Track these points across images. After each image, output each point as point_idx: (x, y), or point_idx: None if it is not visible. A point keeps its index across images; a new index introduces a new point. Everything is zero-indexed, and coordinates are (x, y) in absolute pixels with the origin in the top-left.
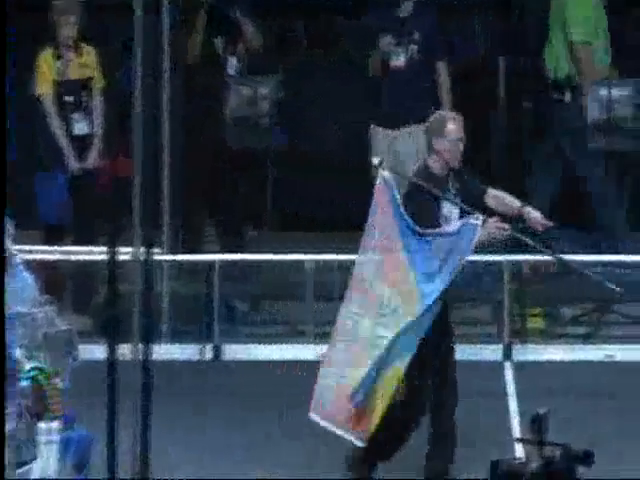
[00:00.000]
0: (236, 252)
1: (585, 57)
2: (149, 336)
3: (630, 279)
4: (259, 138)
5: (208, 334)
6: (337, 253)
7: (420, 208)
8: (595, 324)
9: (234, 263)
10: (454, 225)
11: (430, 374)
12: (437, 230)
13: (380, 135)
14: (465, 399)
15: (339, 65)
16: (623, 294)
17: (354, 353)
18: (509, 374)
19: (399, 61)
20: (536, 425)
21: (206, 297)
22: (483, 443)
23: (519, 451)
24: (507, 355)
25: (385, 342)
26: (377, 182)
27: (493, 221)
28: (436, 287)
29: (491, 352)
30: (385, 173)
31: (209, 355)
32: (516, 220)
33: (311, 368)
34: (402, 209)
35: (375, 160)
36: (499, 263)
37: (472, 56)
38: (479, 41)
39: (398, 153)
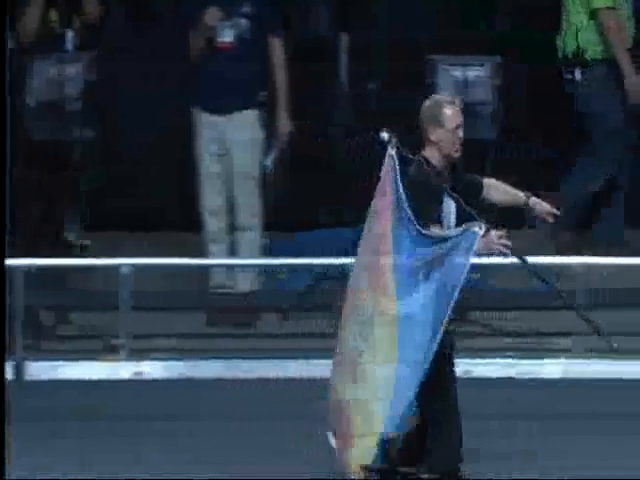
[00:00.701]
0: (42, 257)
1: (612, 23)
2: None
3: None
4: (65, 128)
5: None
6: (160, 257)
7: (421, 206)
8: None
9: (40, 269)
10: (455, 230)
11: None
12: (437, 232)
13: (206, 121)
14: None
15: (163, 43)
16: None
17: (341, 366)
18: None
19: (227, 38)
20: (385, 450)
21: (7, 308)
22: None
23: None
24: None
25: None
26: (385, 162)
27: (496, 235)
28: (420, 295)
29: None
30: (393, 152)
31: (10, 375)
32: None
33: (129, 387)
34: (403, 196)
35: (385, 135)
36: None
37: (312, 31)
38: (319, 15)
39: (226, 141)
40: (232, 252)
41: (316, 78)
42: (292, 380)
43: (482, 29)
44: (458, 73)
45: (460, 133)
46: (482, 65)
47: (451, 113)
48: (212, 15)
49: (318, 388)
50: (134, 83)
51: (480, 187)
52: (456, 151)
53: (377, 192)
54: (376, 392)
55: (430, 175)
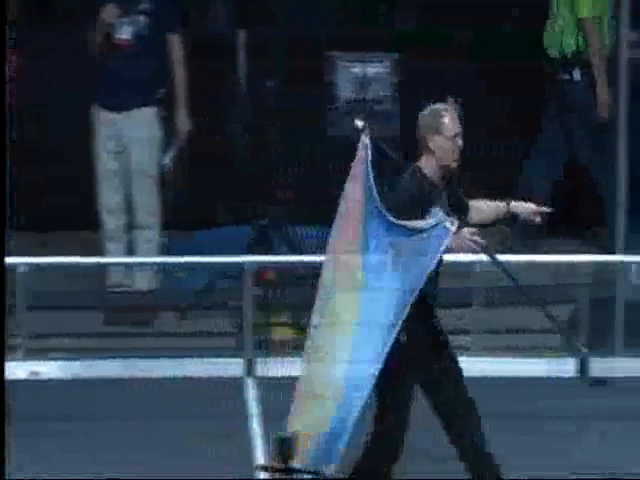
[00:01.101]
0: None
1: (594, 31)
2: None
3: None
4: None
5: None
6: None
7: (405, 214)
8: None
9: None
10: (427, 222)
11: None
12: (408, 222)
13: (104, 119)
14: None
15: (61, 41)
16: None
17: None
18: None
19: (125, 35)
20: (281, 450)
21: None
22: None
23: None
24: (249, 370)
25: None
26: (358, 149)
27: (469, 232)
28: (383, 286)
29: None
30: (367, 140)
31: None
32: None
33: (25, 387)
34: (373, 185)
35: (359, 123)
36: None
37: (211, 28)
38: (219, 11)
39: (124, 138)
40: (130, 251)
41: (215, 75)
42: (190, 379)
43: (381, 25)
44: (357, 70)
45: (459, 142)
46: (381, 61)
47: (450, 121)
48: (110, 12)
49: (217, 387)
50: (36, 81)
51: (467, 209)
52: (454, 161)
53: (349, 179)
54: (327, 384)
55: (422, 184)
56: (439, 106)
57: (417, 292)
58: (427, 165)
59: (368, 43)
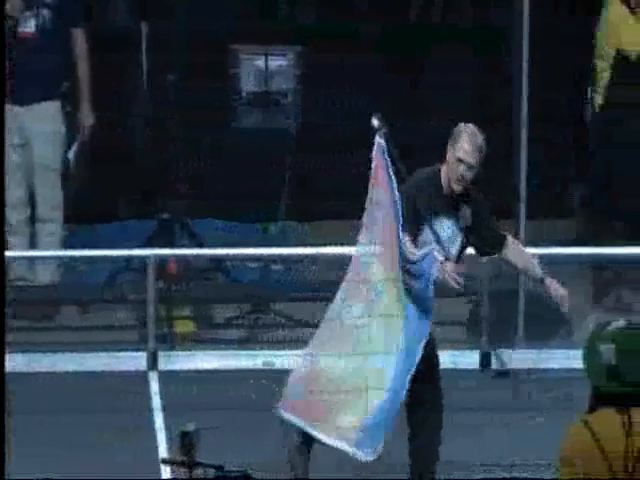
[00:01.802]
0: None
1: None
2: None
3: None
4: None
5: None
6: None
7: (408, 204)
8: (252, 327)
9: None
10: (419, 254)
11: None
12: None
13: (8, 112)
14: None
15: None
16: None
17: (336, 339)
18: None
19: (28, 29)
20: (185, 443)
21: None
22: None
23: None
24: (153, 364)
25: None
26: (375, 151)
27: (450, 269)
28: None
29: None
30: (383, 143)
31: None
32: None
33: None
34: (397, 193)
35: (375, 122)
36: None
37: (114, 22)
38: (121, 5)
39: (26, 132)
40: (33, 244)
41: (117, 69)
42: (93, 373)
43: (284, 19)
44: (260, 63)
45: (461, 170)
46: (285, 55)
47: (465, 144)
48: (13, 5)
49: (121, 381)
50: None
51: (501, 242)
52: (455, 182)
53: (373, 184)
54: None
55: (435, 186)
56: (466, 127)
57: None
58: (443, 172)
59: (271, 36)
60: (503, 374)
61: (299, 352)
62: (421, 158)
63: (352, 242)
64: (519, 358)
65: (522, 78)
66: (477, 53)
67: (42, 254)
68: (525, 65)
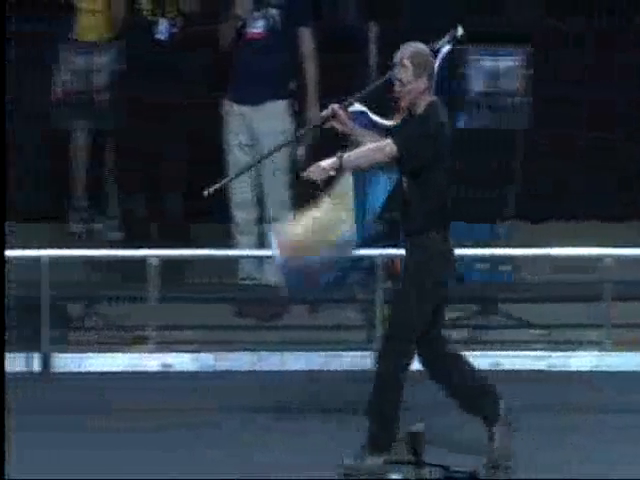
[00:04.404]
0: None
1: None
2: None
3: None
4: (95, 118)
5: (36, 342)
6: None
7: None
8: (479, 328)
9: (67, 260)
10: None
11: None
12: None
13: (235, 112)
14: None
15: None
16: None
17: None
18: None
19: (257, 29)
20: (412, 444)
21: (33, 299)
22: None
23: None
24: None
25: None
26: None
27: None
28: None
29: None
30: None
31: (37, 366)
32: None
33: (154, 379)
34: None
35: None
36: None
37: (343, 21)
38: (350, 4)
39: (255, 132)
40: (261, 244)
41: (345, 68)
42: (316, 372)
43: (511, 18)
44: (488, 63)
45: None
46: (512, 55)
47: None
48: (243, 6)
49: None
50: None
51: None
52: None
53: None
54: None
55: None
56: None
57: None
58: None
59: (498, 36)
60: None
61: (527, 353)
62: None
63: (579, 243)
64: None
65: None
66: None
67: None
68: None
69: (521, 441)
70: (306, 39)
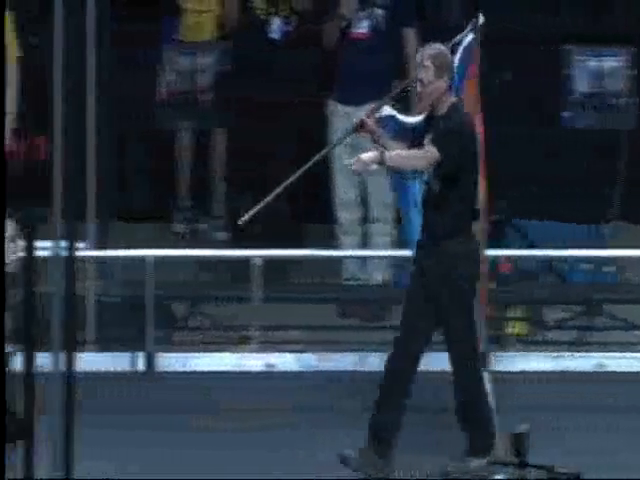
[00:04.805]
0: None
1: None
2: (72, 344)
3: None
4: (199, 119)
5: (140, 341)
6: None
7: None
8: (584, 329)
9: (172, 260)
10: None
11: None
12: None
13: (339, 112)
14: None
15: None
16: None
17: None
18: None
19: (362, 29)
20: (516, 444)
21: (138, 299)
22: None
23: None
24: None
25: None
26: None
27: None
28: None
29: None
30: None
31: (141, 365)
32: None
33: (257, 379)
34: None
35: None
36: None
37: (447, 21)
38: (453, 4)
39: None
40: (365, 244)
41: None
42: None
43: (616, 19)
44: (593, 63)
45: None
46: (617, 55)
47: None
48: (349, 6)
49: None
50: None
51: None
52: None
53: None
54: None
55: None
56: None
57: None
58: None
59: (604, 37)
60: None
61: (632, 355)
62: None
63: None
64: None
65: None
66: None
67: (374, 254)
68: None
69: (624, 443)
70: (410, 40)
